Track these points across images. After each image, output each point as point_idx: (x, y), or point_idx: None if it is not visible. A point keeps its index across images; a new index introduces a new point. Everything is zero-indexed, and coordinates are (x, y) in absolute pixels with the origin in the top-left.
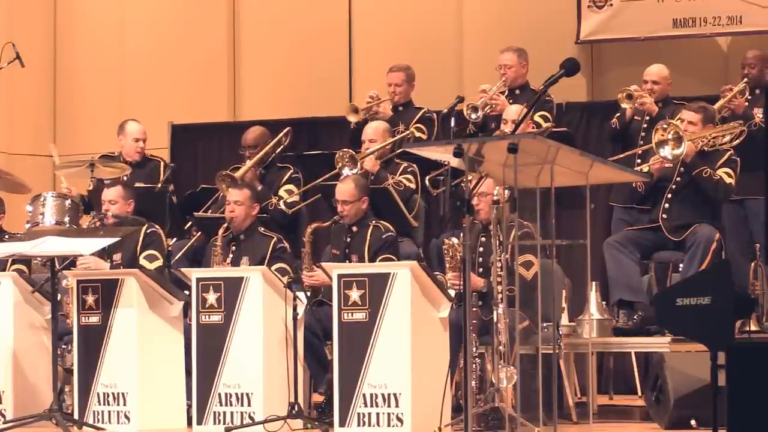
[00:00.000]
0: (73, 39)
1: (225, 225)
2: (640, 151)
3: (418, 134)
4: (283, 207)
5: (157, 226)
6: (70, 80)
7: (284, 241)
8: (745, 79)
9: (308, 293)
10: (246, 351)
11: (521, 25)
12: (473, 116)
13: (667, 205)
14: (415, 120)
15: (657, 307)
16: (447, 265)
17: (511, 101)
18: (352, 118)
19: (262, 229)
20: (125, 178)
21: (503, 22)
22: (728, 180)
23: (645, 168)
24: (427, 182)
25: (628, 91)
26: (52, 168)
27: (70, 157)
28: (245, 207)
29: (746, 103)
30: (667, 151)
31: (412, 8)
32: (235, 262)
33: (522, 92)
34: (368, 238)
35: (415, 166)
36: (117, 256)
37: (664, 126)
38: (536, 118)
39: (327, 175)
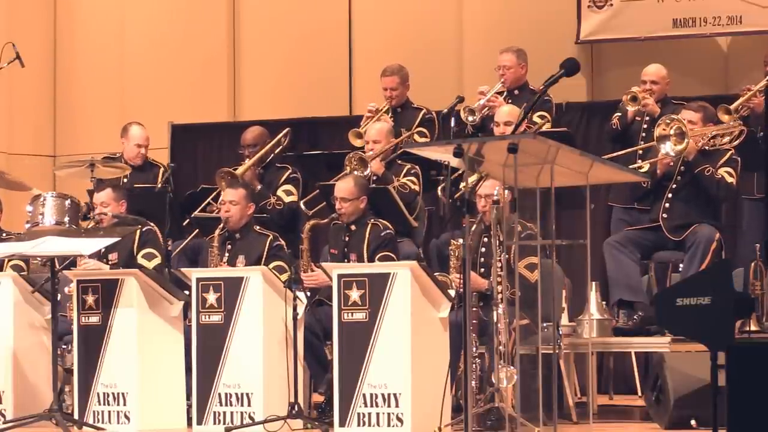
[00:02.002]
0: (73, 39)
1: (221, 224)
2: (640, 150)
3: (421, 139)
4: (303, 208)
5: (152, 224)
6: (70, 80)
7: (280, 239)
8: (767, 78)
9: (308, 293)
10: (246, 351)
11: (521, 25)
12: (470, 119)
13: (667, 205)
14: (416, 123)
15: (657, 307)
16: (451, 266)
17: (510, 102)
18: (359, 143)
19: (258, 227)
20: (125, 179)
21: (503, 22)
22: (729, 179)
23: (645, 166)
24: (439, 192)
25: (632, 93)
26: (52, 168)
27: (70, 157)
28: (241, 206)
29: None
30: (668, 147)
31: (412, 8)
32: (231, 261)
33: (521, 93)
34: (367, 236)
35: (417, 167)
36: (113, 256)
37: (667, 121)
38: (534, 117)
39: (335, 178)
